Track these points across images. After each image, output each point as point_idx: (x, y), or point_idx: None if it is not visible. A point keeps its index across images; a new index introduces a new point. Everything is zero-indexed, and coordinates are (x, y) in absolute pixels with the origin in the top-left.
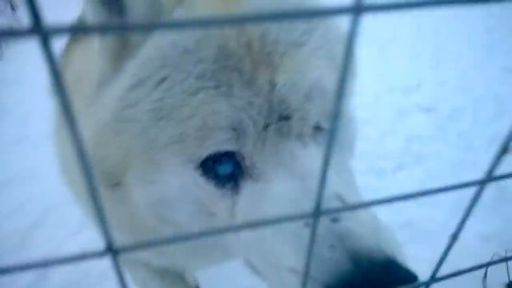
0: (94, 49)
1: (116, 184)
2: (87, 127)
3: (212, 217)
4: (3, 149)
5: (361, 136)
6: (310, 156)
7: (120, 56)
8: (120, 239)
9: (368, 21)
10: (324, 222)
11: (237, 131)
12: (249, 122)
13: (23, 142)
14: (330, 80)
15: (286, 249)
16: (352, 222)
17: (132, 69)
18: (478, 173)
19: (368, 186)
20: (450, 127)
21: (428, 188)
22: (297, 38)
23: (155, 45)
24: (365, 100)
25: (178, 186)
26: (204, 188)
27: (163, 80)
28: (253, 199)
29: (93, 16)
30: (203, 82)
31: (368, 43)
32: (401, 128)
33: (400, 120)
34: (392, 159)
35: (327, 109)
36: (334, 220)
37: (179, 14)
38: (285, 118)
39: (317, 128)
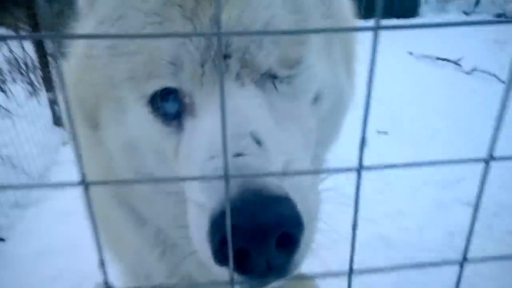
0: None
1: (95, 125)
2: (70, 69)
3: (167, 160)
4: (55, 219)
5: (397, 226)
6: (246, 97)
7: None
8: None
9: (405, 118)
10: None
11: (176, 66)
12: (187, 57)
13: (72, 215)
14: (284, 22)
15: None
16: (255, 159)
17: (98, 9)
18: None
19: (407, 279)
20: (496, 223)
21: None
22: None
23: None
24: (401, 192)
25: (136, 125)
26: (154, 126)
27: (118, 18)
28: (190, 136)
29: None
30: (149, 18)
31: (404, 141)
32: (441, 221)
33: (439, 213)
34: (433, 252)
35: (282, 55)
36: (237, 155)
37: None
38: (227, 56)
39: (272, 76)
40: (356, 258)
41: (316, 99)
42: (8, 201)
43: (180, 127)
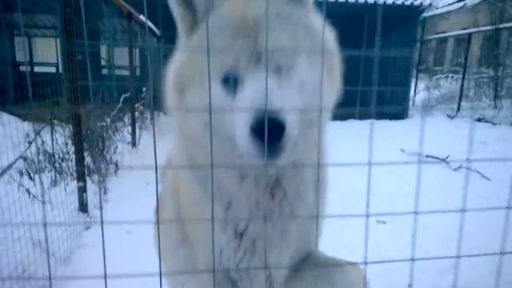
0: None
1: (182, 91)
2: (177, 62)
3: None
4: None
5: None
6: (265, 77)
7: (191, 30)
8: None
9: (400, 210)
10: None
11: (237, 61)
12: (243, 57)
13: None
14: (287, 45)
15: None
16: (271, 103)
17: (196, 37)
18: None
19: None
20: None
21: None
22: (274, 25)
23: (200, 35)
24: (398, 280)
25: (214, 93)
26: (223, 91)
27: (210, 38)
28: (240, 94)
29: (175, 10)
30: (225, 38)
31: (401, 231)
32: None
33: None
34: None
35: (284, 61)
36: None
37: (221, 8)
38: (259, 57)
39: (279, 68)
40: None
41: (301, 85)
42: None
43: (236, 91)
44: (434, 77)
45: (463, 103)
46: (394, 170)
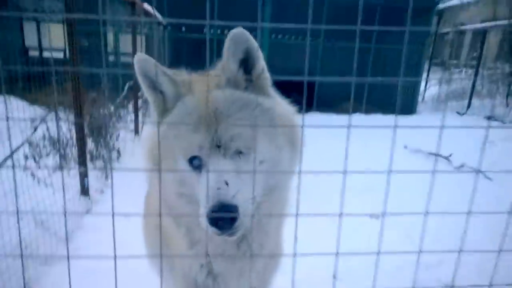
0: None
1: (156, 164)
2: (151, 135)
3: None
4: (78, 276)
5: None
6: (226, 164)
7: (162, 113)
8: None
9: (397, 205)
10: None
11: (200, 148)
12: (205, 145)
13: (96, 273)
14: (246, 132)
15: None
16: (225, 191)
17: (167, 120)
18: None
19: None
20: None
21: None
22: (232, 113)
23: (175, 112)
24: (387, 270)
25: (183, 169)
26: (190, 169)
27: (178, 126)
28: (202, 176)
29: (149, 97)
30: (191, 127)
31: (393, 226)
32: None
33: None
34: None
35: (243, 145)
36: (218, 188)
37: (187, 98)
38: (219, 146)
39: (239, 152)
40: None
41: (262, 162)
42: (38, 257)
43: (199, 172)
44: (448, 71)
45: (474, 100)
46: (395, 166)
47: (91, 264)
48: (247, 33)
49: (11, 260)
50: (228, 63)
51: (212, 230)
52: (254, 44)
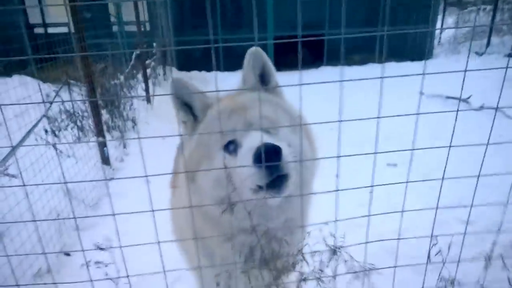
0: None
1: (192, 179)
2: (186, 152)
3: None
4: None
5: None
6: (259, 135)
7: (193, 129)
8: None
9: (415, 152)
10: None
11: (234, 130)
12: (239, 125)
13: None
14: (272, 117)
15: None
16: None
17: (200, 127)
18: None
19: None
20: (488, 238)
21: None
22: (257, 105)
23: (207, 118)
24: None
25: (218, 161)
26: (226, 155)
27: (211, 125)
28: (239, 155)
29: (180, 116)
30: (223, 120)
31: (412, 172)
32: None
33: (439, 231)
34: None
35: (270, 126)
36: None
37: (216, 105)
38: (250, 124)
39: (267, 131)
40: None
41: (289, 144)
42: (71, 225)
43: (235, 154)
44: (464, 11)
45: (493, 39)
46: (410, 113)
47: (120, 228)
48: (262, 51)
49: (47, 227)
50: (248, 75)
51: (259, 174)
52: (269, 60)
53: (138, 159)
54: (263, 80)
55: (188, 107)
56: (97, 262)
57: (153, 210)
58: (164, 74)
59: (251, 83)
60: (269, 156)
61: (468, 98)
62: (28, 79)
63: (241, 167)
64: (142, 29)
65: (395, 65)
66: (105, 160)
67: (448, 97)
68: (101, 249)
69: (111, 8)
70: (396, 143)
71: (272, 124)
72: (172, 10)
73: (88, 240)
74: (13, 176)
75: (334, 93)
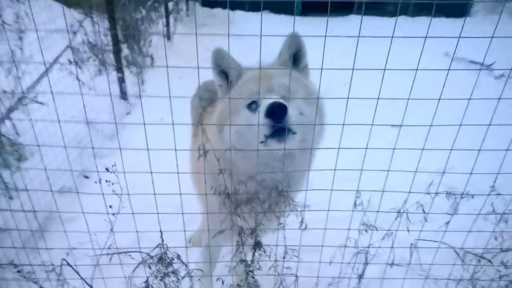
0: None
1: (220, 130)
2: (217, 109)
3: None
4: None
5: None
6: (274, 99)
7: (226, 92)
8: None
9: (422, 115)
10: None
11: (256, 93)
12: (261, 90)
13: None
14: (287, 84)
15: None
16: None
17: (233, 91)
18: None
19: None
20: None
21: None
22: (280, 75)
23: (239, 83)
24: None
25: (242, 116)
26: (248, 112)
27: (242, 89)
28: (257, 113)
29: (217, 81)
30: (251, 84)
31: (415, 134)
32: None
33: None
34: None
35: (287, 93)
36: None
37: (246, 73)
38: (271, 90)
39: (284, 97)
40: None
41: (301, 114)
42: (91, 152)
43: (256, 111)
44: None
45: None
46: (430, 76)
47: (136, 159)
48: (300, 36)
49: (70, 153)
50: (284, 53)
51: (269, 125)
52: (304, 44)
53: (155, 95)
54: (296, 59)
55: (225, 74)
56: (107, 181)
57: (175, 149)
58: (187, 9)
59: (283, 60)
60: (275, 110)
61: (491, 65)
62: (52, 2)
63: (256, 120)
64: None
65: (426, 21)
66: (123, 95)
67: (471, 61)
68: (108, 170)
69: None
70: (404, 104)
71: (290, 94)
72: None
73: (102, 167)
74: (41, 103)
75: (354, 47)
